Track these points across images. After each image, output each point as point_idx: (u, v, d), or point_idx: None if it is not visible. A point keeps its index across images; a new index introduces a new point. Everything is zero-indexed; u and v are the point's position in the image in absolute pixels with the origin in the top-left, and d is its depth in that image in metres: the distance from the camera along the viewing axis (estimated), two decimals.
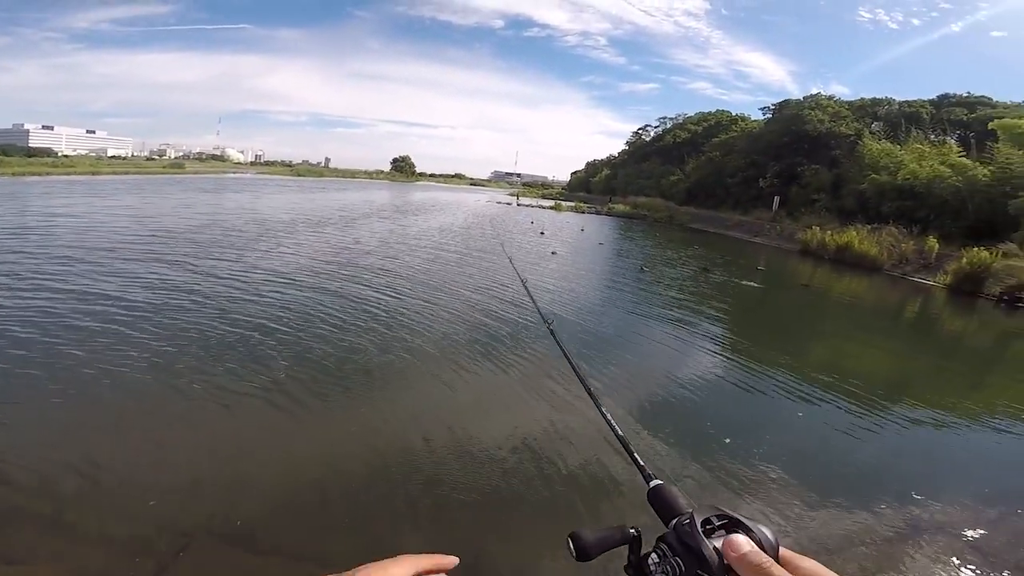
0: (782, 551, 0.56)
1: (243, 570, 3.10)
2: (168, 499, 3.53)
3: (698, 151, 47.66)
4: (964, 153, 24.51)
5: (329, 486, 3.84)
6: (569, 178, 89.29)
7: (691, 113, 59.33)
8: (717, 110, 55.82)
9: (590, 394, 1.29)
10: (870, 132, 31.76)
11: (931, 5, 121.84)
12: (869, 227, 22.60)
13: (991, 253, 16.66)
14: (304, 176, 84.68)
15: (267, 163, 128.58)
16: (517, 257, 15.15)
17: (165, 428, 4.46)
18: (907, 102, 36.29)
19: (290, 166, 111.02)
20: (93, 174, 46.14)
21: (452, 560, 0.65)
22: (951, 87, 40.58)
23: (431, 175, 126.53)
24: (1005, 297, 15.17)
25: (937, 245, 19.40)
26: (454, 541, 3.50)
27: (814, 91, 49.77)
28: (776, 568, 0.51)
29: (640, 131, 68.88)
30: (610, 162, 71.72)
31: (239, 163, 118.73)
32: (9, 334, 6.02)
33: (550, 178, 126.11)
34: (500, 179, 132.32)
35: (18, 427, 4.26)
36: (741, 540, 0.54)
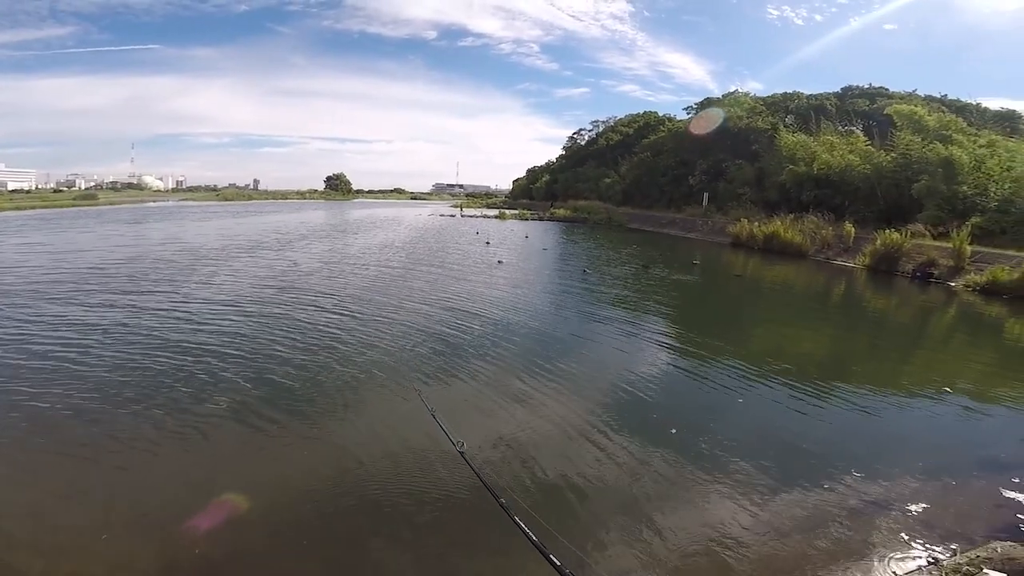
0: None
1: None
2: (120, 533, 3.49)
3: (631, 152, 49.06)
4: (869, 142, 26.21)
5: (291, 508, 3.86)
6: (512, 186, 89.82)
7: (621, 115, 61.23)
8: (645, 111, 57.82)
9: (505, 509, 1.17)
10: (784, 125, 33.46)
11: (831, 1, 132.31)
12: (792, 216, 23.83)
13: (901, 234, 17.94)
14: (231, 200, 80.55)
15: (190, 189, 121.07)
16: (463, 269, 14.99)
17: (114, 461, 4.42)
18: (814, 95, 38.96)
19: (215, 190, 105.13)
20: None
21: None
22: (853, 80, 43.71)
23: (369, 191, 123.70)
24: (918, 274, 16.42)
25: (853, 230, 20.73)
26: (421, 559, 3.38)
27: (732, 89, 52.39)
28: None
29: (575, 135, 70.32)
30: (549, 168, 72.70)
31: (158, 191, 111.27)
32: None
33: (493, 187, 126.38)
34: (443, 191, 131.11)
35: None
36: None
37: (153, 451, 4.58)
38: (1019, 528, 3.90)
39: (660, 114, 55.10)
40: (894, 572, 3.39)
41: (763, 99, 40.69)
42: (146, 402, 5.51)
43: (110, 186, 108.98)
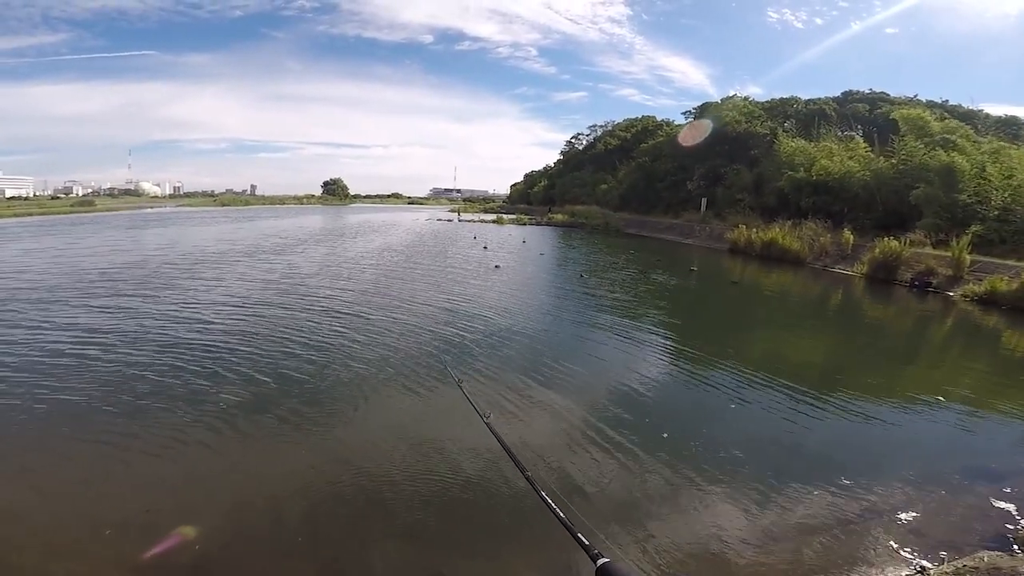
0: None
1: None
2: (123, 529, 3.54)
3: (628, 157, 49.16)
4: (869, 148, 26.01)
5: (284, 511, 3.90)
6: (509, 191, 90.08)
7: (619, 120, 61.44)
8: (643, 116, 57.89)
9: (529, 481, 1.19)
10: (783, 130, 33.38)
11: (831, 4, 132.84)
12: (790, 223, 23.63)
13: (900, 242, 17.75)
14: (229, 205, 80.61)
15: (187, 194, 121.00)
16: (461, 272, 15.05)
17: (112, 460, 4.49)
18: (814, 100, 39.08)
19: (213, 196, 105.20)
20: None
21: None
22: (854, 84, 43.92)
23: (366, 196, 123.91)
24: (916, 283, 16.20)
25: (852, 237, 20.56)
26: (411, 563, 3.39)
27: (731, 93, 52.65)
28: None
29: (573, 140, 70.59)
30: (547, 172, 72.96)
31: (156, 196, 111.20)
32: None
33: (491, 192, 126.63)
34: (440, 196, 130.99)
35: None
36: None
37: (182, 443, 4.79)
38: (1007, 538, 3.92)
39: (658, 119, 55.29)
40: None
41: (762, 104, 40.65)
42: (159, 398, 5.73)
43: (107, 192, 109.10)
